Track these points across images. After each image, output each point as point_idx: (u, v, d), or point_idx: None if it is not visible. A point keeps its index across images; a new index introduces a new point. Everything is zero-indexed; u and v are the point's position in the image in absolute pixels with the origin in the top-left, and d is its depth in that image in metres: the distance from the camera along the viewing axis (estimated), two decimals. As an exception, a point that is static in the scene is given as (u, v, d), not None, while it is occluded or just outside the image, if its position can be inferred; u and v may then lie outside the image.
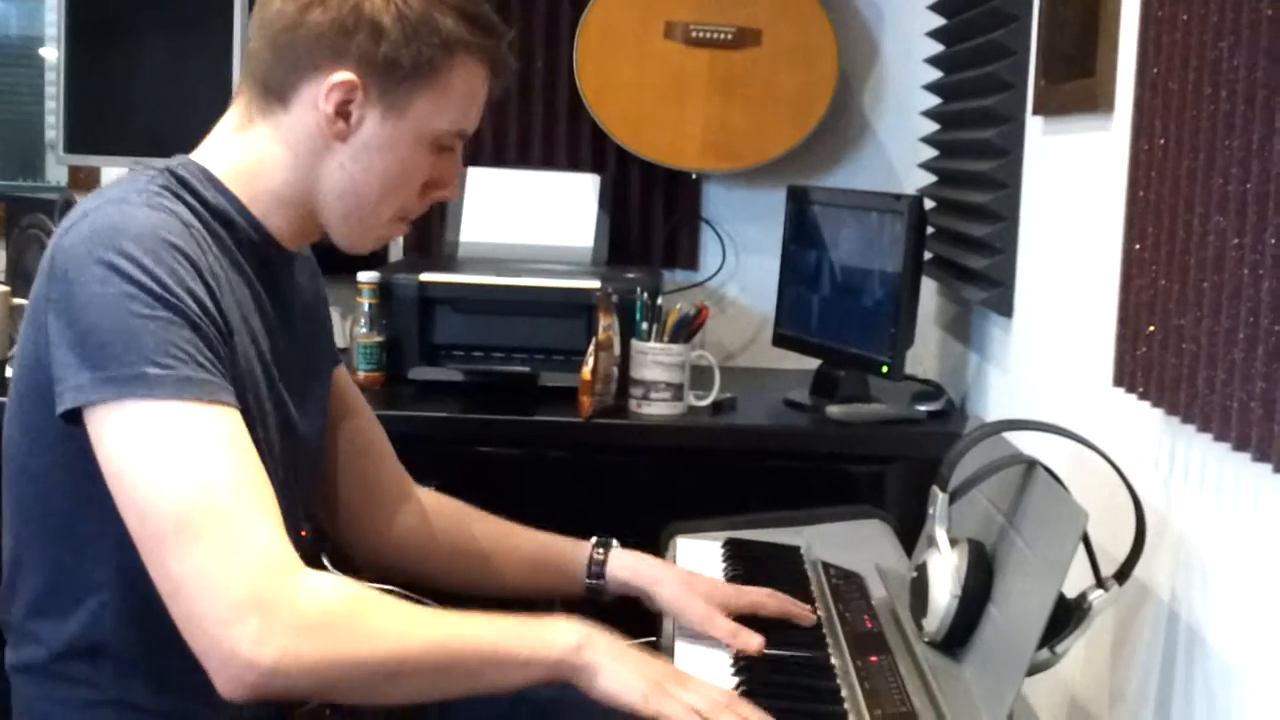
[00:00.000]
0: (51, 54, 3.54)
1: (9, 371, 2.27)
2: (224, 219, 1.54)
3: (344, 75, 1.51)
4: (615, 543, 1.87)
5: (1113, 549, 1.49)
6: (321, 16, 1.51)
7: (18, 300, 2.53)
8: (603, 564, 1.83)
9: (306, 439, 1.70)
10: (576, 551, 1.85)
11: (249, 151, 1.57)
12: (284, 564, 1.35)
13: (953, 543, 1.54)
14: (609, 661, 1.44)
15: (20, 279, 2.79)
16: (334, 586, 1.38)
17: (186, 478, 1.34)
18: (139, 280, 1.38)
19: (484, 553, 1.86)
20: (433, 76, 1.53)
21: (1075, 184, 2.00)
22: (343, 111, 1.53)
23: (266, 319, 1.59)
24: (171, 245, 1.42)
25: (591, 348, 2.54)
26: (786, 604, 1.74)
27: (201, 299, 1.43)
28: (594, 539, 1.86)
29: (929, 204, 2.73)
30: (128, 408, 1.36)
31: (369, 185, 1.57)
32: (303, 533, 1.72)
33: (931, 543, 1.55)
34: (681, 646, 1.67)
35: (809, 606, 1.75)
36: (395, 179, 1.57)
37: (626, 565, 1.83)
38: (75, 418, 1.38)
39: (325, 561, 1.90)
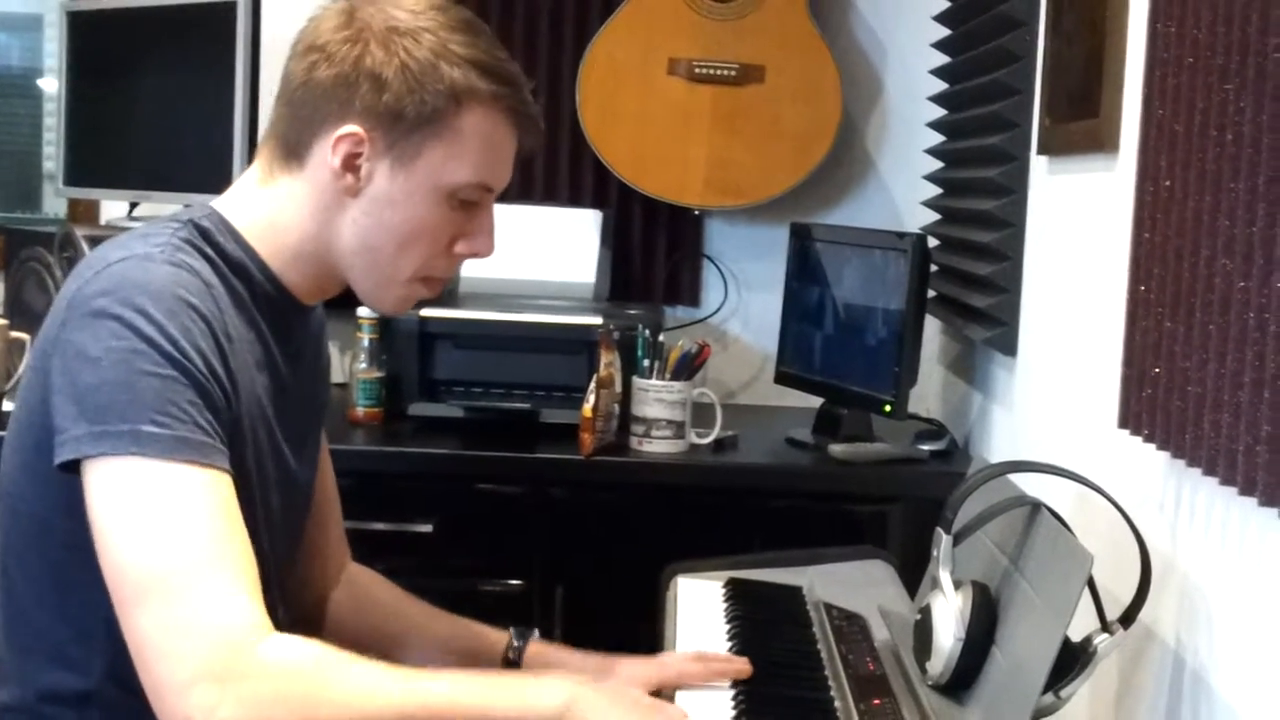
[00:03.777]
0: (51, 85, 3.56)
1: (6, 405, 2.27)
2: (242, 273, 1.54)
3: (350, 128, 1.51)
4: (535, 633, 1.82)
5: (1118, 592, 1.48)
6: (326, 72, 1.51)
7: (15, 334, 2.53)
8: (518, 656, 1.79)
9: (302, 487, 1.70)
10: (493, 641, 1.81)
11: (270, 206, 1.57)
12: (246, 633, 1.32)
13: (956, 585, 1.52)
14: None
15: (18, 312, 2.78)
16: (297, 652, 1.35)
17: (162, 539, 1.33)
18: (151, 337, 1.38)
19: (400, 635, 1.83)
20: (441, 127, 1.52)
21: (1080, 224, 2.00)
22: (351, 165, 1.52)
23: (274, 372, 1.59)
24: (189, 304, 1.43)
25: (593, 385, 2.53)
26: (716, 668, 1.67)
27: (210, 360, 1.43)
28: (513, 629, 1.82)
29: (933, 242, 2.72)
30: (120, 463, 1.35)
31: (383, 240, 1.56)
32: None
33: (935, 585, 1.54)
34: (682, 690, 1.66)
35: (742, 659, 1.67)
36: (410, 233, 1.56)
37: (542, 657, 1.79)
38: (73, 468, 1.38)
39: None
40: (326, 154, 1.52)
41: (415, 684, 1.38)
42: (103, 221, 3.26)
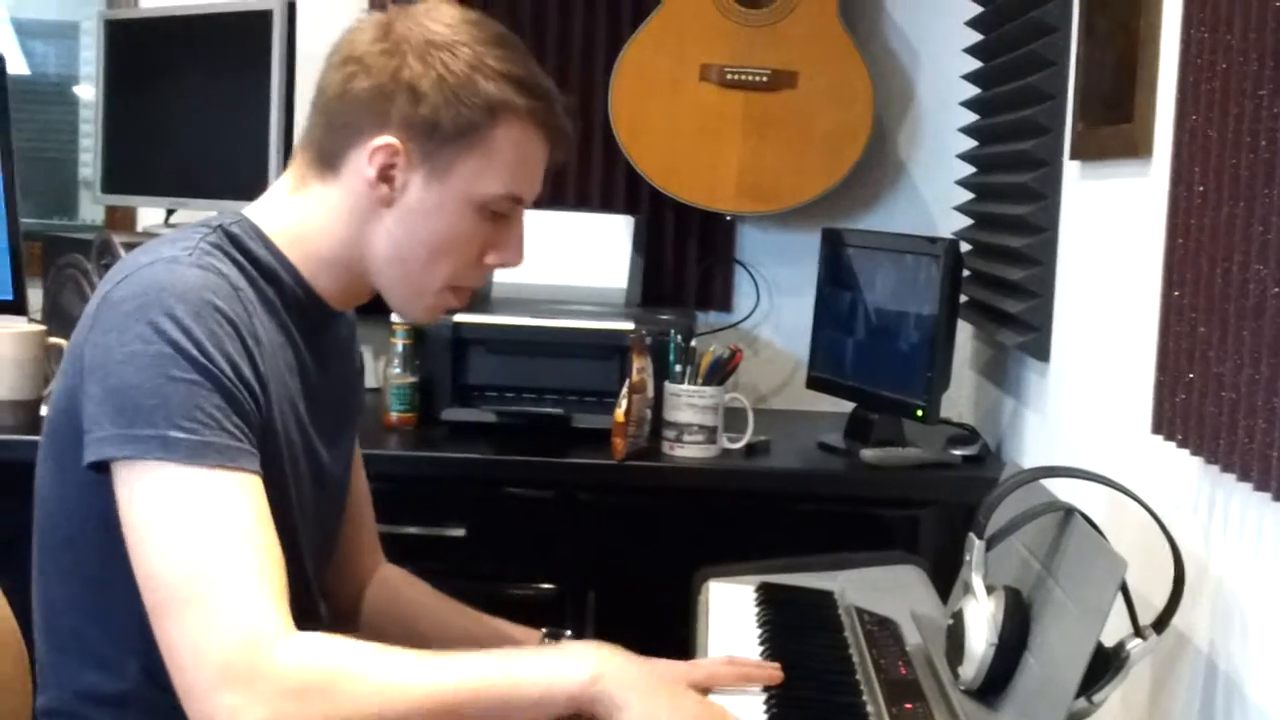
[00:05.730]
0: (87, 92, 3.58)
1: (44, 410, 2.29)
2: (272, 278, 1.56)
3: (386, 139, 1.52)
4: (568, 633, 1.84)
5: (1151, 598, 1.48)
6: (364, 83, 1.53)
7: (54, 340, 2.55)
8: None
9: (337, 483, 1.71)
10: (523, 640, 1.83)
11: (302, 214, 1.58)
12: (267, 634, 1.33)
13: (989, 590, 1.52)
14: (633, 695, 1.41)
15: (57, 318, 2.80)
16: (321, 648, 1.36)
17: (190, 545, 1.34)
18: (178, 342, 1.39)
19: (430, 633, 1.84)
20: (476, 139, 1.53)
21: (1113, 229, 2.00)
22: (386, 176, 1.54)
23: (305, 376, 1.60)
24: (216, 308, 1.44)
25: (625, 390, 2.54)
26: (745, 671, 1.65)
27: (238, 364, 1.44)
28: (544, 630, 1.83)
29: (965, 247, 2.72)
30: (147, 467, 1.37)
31: (415, 250, 1.57)
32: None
33: (967, 590, 1.54)
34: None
35: (774, 665, 1.65)
36: (442, 244, 1.57)
37: None
38: (102, 468, 1.39)
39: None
40: (362, 164, 1.54)
41: (441, 667, 1.38)
42: (140, 228, 3.28)
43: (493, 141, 1.54)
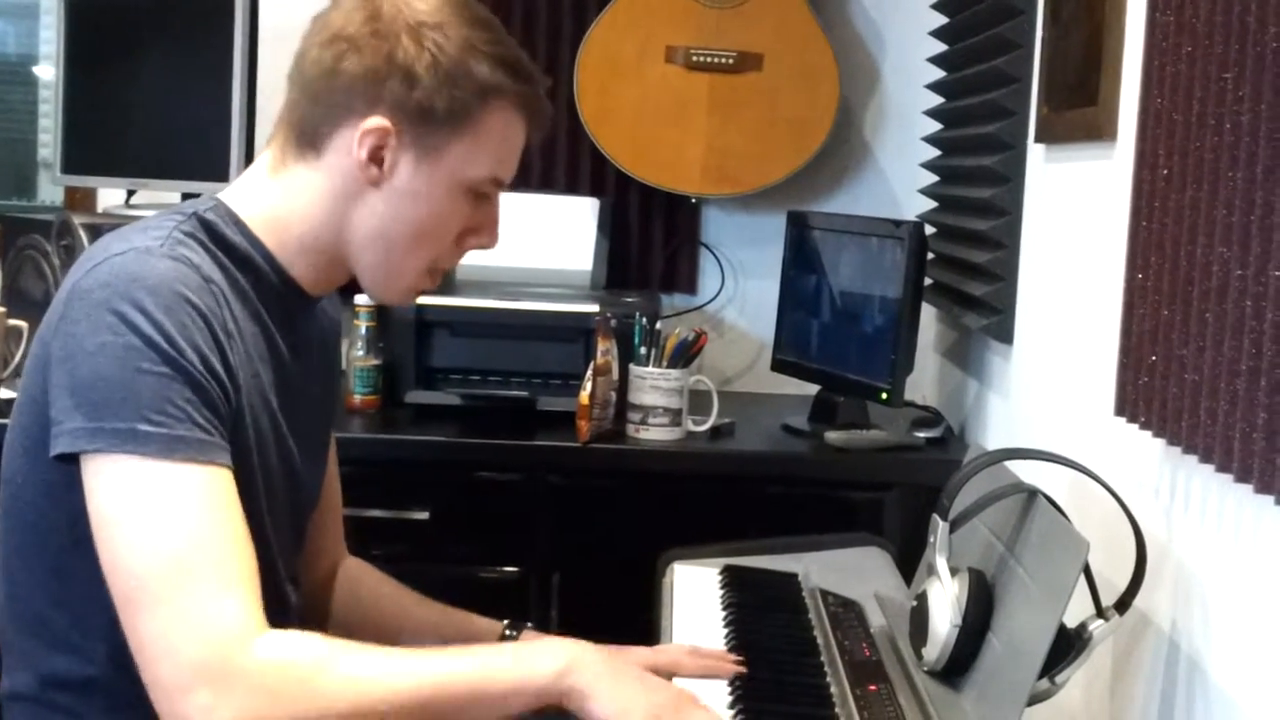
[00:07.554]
0: (46, 72, 3.55)
1: (4, 393, 2.27)
2: (247, 265, 1.54)
3: (377, 121, 1.51)
4: (529, 625, 1.84)
5: (1113, 579, 1.48)
6: (356, 64, 1.51)
7: (12, 321, 2.53)
8: None
9: (308, 483, 1.70)
10: (486, 631, 1.82)
11: (281, 196, 1.57)
12: (242, 632, 1.32)
13: (953, 572, 1.53)
14: (603, 685, 1.41)
15: (15, 299, 2.78)
16: (293, 646, 1.35)
17: (160, 539, 1.33)
18: (147, 334, 1.38)
19: (392, 625, 1.83)
20: (467, 123, 1.53)
21: (1077, 212, 2.00)
22: (376, 157, 1.52)
23: (280, 366, 1.59)
24: (186, 300, 1.42)
25: (590, 372, 2.53)
26: (709, 663, 1.66)
27: (208, 357, 1.42)
28: (506, 621, 1.83)
29: (929, 230, 2.72)
30: (117, 461, 1.35)
31: (400, 232, 1.56)
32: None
33: (931, 571, 1.54)
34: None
35: (735, 657, 1.66)
36: (427, 226, 1.57)
37: None
38: (70, 459, 1.38)
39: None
40: (350, 145, 1.52)
41: (412, 665, 1.38)
42: (100, 209, 3.25)
43: (482, 125, 1.54)
